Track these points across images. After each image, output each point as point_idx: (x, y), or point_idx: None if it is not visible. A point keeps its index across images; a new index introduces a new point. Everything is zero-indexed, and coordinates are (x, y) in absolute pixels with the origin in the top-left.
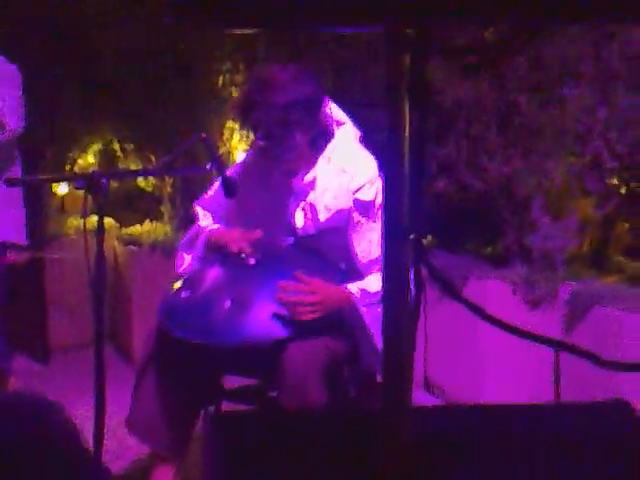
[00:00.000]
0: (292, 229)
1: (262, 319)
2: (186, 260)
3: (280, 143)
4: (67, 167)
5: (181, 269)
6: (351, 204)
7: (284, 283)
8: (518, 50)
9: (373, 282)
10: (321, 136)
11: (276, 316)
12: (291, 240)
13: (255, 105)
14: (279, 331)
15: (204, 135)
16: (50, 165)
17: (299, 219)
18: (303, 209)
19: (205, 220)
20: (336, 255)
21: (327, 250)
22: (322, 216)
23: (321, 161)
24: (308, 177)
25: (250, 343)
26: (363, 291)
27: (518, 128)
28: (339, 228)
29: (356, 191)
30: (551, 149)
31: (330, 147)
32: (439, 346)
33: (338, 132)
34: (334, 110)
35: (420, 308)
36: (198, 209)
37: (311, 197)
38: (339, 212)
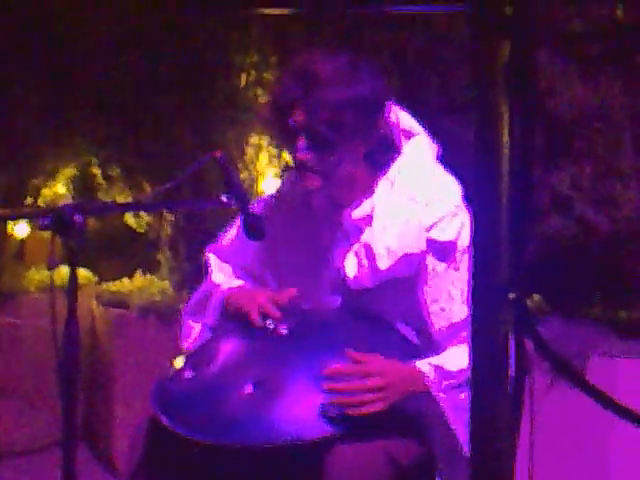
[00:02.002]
0: (340, 282)
1: (297, 411)
2: (194, 330)
3: (325, 157)
4: (28, 200)
5: (187, 342)
6: (424, 246)
7: (333, 367)
8: None
9: (455, 357)
10: (382, 151)
11: (318, 407)
12: (339, 300)
13: (292, 107)
14: (322, 428)
15: (219, 154)
16: (4, 197)
17: (350, 267)
18: (356, 253)
19: (220, 274)
20: (401, 319)
21: (388, 312)
22: (383, 263)
23: (382, 185)
24: (364, 208)
25: (280, 445)
26: (440, 370)
27: None
28: (406, 280)
29: (431, 228)
30: None
31: (395, 167)
32: (550, 449)
33: (407, 147)
34: (402, 117)
35: (524, 396)
36: (211, 258)
37: (367, 236)
38: (406, 257)
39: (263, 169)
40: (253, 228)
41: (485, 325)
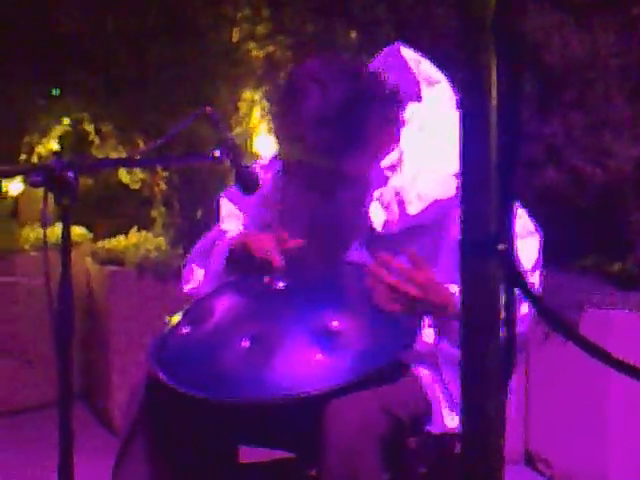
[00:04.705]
0: (366, 229)
1: (295, 365)
2: (197, 275)
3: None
4: (21, 157)
5: (189, 287)
6: (453, 192)
7: (385, 256)
8: None
9: None
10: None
11: (314, 362)
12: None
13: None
14: (318, 383)
15: (209, 109)
16: None
17: (377, 213)
18: (382, 200)
19: (231, 221)
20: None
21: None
22: (412, 208)
23: (406, 133)
24: (391, 157)
25: (277, 399)
26: None
27: None
28: (433, 226)
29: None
30: None
31: (419, 115)
32: (545, 406)
33: (429, 95)
34: (423, 65)
35: (515, 352)
36: (223, 204)
37: (396, 182)
38: (436, 203)
39: (257, 124)
40: (246, 182)
41: (475, 276)
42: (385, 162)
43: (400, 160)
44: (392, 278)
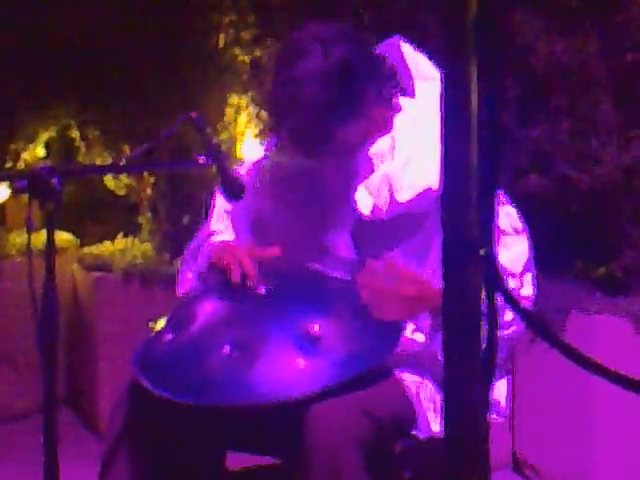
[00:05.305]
0: (351, 214)
1: (276, 369)
2: (188, 278)
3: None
4: (7, 164)
5: (181, 290)
6: None
7: (372, 262)
8: None
9: None
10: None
11: (295, 367)
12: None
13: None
14: (299, 388)
15: (194, 115)
16: None
17: (365, 199)
18: (372, 185)
19: (220, 222)
20: (410, 261)
21: (398, 247)
22: (403, 195)
23: (400, 121)
24: (382, 143)
25: (259, 404)
26: None
27: None
28: (420, 215)
29: None
30: None
31: (414, 108)
32: (531, 411)
33: (424, 88)
34: (419, 60)
35: (496, 350)
36: (217, 201)
37: (388, 167)
38: (427, 192)
39: (243, 129)
40: (232, 188)
41: (456, 281)
42: (374, 149)
43: (392, 147)
44: (386, 284)
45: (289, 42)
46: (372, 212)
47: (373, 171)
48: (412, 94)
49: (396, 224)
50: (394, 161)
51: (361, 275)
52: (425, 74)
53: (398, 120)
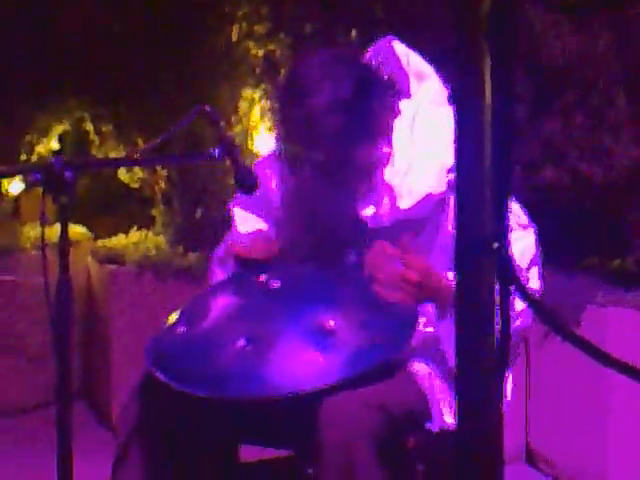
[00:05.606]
0: (355, 222)
1: (290, 363)
2: (216, 277)
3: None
4: (22, 157)
5: None
6: (444, 187)
7: (381, 244)
8: None
9: None
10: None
11: (309, 360)
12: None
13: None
14: (315, 379)
15: (207, 108)
16: None
17: (367, 207)
18: (372, 193)
19: (245, 223)
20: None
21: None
22: (404, 202)
23: (398, 126)
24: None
25: (273, 396)
26: None
27: None
28: (423, 220)
29: (452, 169)
30: None
31: (410, 109)
32: (546, 404)
33: (419, 90)
34: (413, 60)
35: (510, 350)
36: (235, 212)
37: (388, 175)
38: (428, 197)
39: (256, 123)
40: (245, 181)
41: (470, 274)
42: (373, 157)
43: (392, 152)
44: (392, 266)
45: (296, 76)
46: (374, 220)
47: (373, 178)
48: (408, 94)
49: (398, 230)
50: (394, 167)
51: (370, 255)
52: (420, 73)
53: (396, 124)
